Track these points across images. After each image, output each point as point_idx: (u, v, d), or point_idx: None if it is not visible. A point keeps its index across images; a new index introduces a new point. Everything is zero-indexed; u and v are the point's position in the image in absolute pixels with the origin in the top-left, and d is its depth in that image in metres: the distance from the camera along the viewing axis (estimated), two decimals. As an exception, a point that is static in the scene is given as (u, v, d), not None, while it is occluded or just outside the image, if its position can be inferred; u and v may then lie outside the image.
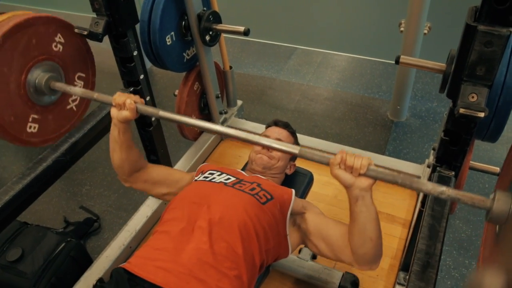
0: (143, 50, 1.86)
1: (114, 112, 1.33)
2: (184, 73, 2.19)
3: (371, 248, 1.14)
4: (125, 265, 1.19)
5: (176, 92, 2.19)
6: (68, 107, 1.64)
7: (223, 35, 2.21)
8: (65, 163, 1.50)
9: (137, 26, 1.73)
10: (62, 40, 1.53)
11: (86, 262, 1.94)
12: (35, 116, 1.51)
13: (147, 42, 1.87)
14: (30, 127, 1.48)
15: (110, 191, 2.60)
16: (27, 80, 1.44)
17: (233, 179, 1.42)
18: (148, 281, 1.12)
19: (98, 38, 1.56)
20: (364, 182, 1.04)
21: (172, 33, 1.91)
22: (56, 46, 1.51)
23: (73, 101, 1.66)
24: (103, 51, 2.08)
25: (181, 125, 2.24)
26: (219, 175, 1.44)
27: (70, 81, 1.63)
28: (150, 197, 2.10)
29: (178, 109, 2.18)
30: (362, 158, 1.03)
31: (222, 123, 2.47)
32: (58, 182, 1.54)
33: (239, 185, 1.37)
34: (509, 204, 0.83)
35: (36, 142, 1.54)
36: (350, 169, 1.03)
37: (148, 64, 2.08)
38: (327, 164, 1.06)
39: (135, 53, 1.67)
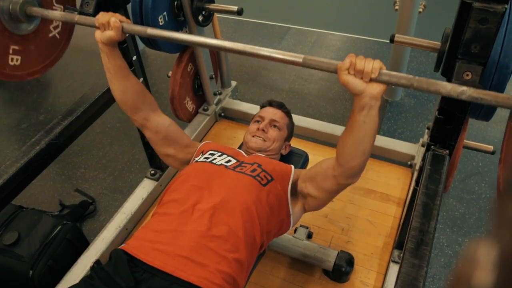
0: (135, 30, 1.83)
1: (98, 34, 1.23)
2: (177, 54, 2.16)
3: (362, 161, 1.10)
4: (124, 247, 1.19)
5: (170, 74, 2.17)
6: (50, 35, 1.53)
7: (216, 15, 2.18)
8: (59, 146, 1.49)
9: (129, 6, 1.69)
10: None
11: (82, 244, 1.95)
12: (16, 47, 1.41)
13: (139, 22, 1.84)
14: (12, 59, 1.39)
15: (105, 173, 2.60)
16: (0, 8, 1.32)
17: (233, 161, 1.41)
18: (147, 263, 1.13)
19: (88, 18, 1.52)
20: (376, 88, 0.97)
21: (165, 13, 1.88)
22: None
23: (55, 28, 1.54)
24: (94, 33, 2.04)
25: (175, 107, 2.22)
26: (219, 155, 1.43)
27: (48, 6, 1.48)
28: (145, 179, 2.11)
29: (172, 90, 2.16)
30: (373, 61, 0.94)
31: (216, 105, 2.46)
32: (53, 165, 1.53)
33: (240, 168, 1.37)
34: None
35: (22, 75, 1.45)
36: (361, 73, 0.94)
37: (141, 46, 2.06)
38: (335, 71, 0.96)
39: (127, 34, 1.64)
